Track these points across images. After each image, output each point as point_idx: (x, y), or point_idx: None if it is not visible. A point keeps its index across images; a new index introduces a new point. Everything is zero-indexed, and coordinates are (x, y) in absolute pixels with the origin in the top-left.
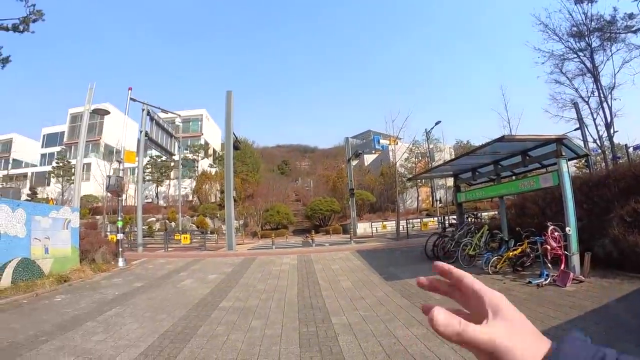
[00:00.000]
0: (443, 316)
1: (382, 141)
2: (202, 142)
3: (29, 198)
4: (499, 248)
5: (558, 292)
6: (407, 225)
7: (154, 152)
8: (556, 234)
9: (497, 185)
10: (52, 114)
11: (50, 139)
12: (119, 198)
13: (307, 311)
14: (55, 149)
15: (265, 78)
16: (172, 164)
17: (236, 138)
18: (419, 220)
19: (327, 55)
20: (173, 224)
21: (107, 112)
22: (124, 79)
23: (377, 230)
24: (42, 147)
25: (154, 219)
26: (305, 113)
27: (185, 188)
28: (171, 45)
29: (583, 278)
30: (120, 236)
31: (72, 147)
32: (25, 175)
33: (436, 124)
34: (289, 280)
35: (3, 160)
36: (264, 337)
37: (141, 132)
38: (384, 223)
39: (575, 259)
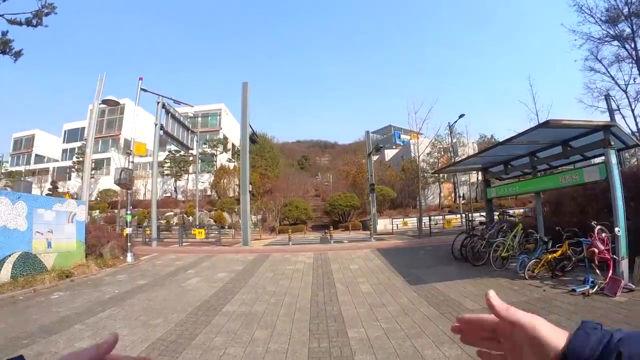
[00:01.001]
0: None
1: (403, 136)
2: (221, 136)
3: (50, 192)
4: (535, 250)
5: (608, 302)
6: (429, 222)
7: (173, 147)
8: (603, 235)
9: (534, 180)
10: (74, 109)
11: (71, 135)
12: (129, 191)
13: (320, 320)
14: (76, 144)
15: (287, 73)
16: (191, 158)
17: (253, 131)
18: (441, 217)
19: (347, 50)
20: (191, 218)
21: (117, 104)
22: (145, 74)
23: (397, 226)
24: (64, 142)
25: (171, 213)
26: (326, 108)
27: (203, 182)
28: (191, 39)
29: (633, 286)
30: (129, 230)
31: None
32: (47, 170)
33: (460, 117)
34: (302, 282)
35: (26, 156)
36: (267, 353)
37: (156, 125)
38: (405, 220)
39: (624, 264)
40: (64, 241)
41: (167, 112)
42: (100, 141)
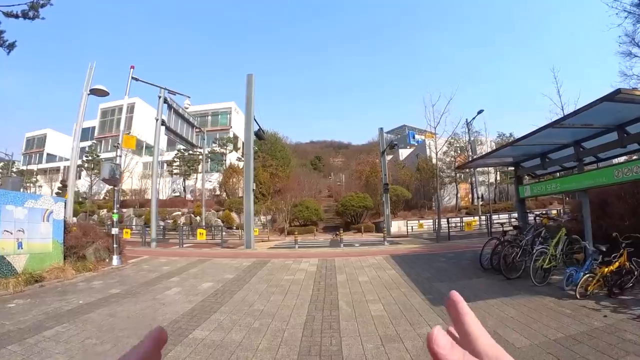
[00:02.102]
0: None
1: (417, 136)
2: (231, 135)
3: (59, 191)
4: (584, 260)
5: None
6: (448, 224)
7: (183, 146)
8: None
9: (580, 175)
10: (87, 109)
11: (83, 134)
12: (115, 188)
13: None
14: (87, 143)
15: (302, 74)
16: (201, 157)
17: (259, 127)
18: (458, 219)
19: (360, 49)
20: (198, 218)
21: (106, 93)
22: (156, 73)
23: (412, 229)
24: (74, 141)
25: (179, 213)
26: (340, 109)
27: (210, 182)
28: (203, 38)
29: None
30: (115, 231)
31: (102, 141)
32: (58, 169)
33: (478, 113)
34: (298, 298)
35: (38, 155)
36: None
37: (157, 120)
38: (421, 222)
39: None
40: (38, 241)
41: (170, 107)
42: (110, 140)
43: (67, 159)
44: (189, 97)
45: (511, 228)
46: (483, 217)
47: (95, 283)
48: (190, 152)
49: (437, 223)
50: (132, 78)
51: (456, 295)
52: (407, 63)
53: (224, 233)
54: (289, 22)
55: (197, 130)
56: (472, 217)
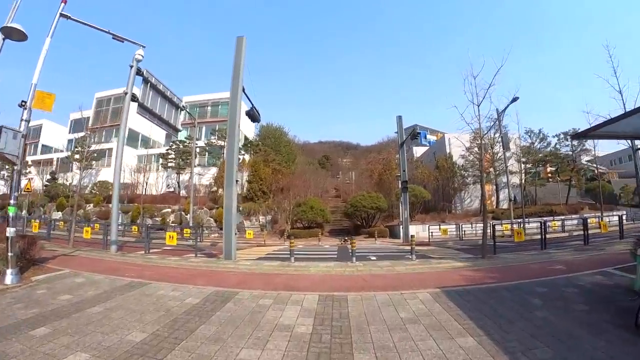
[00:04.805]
0: None
1: (429, 136)
2: None
3: (47, 183)
4: None
5: None
6: (493, 233)
7: (181, 137)
8: None
9: None
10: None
11: (78, 125)
12: (15, 168)
13: None
14: (81, 134)
15: (309, 73)
16: (198, 149)
17: (253, 105)
18: (497, 224)
19: (369, 48)
20: (188, 216)
21: (23, 36)
22: (154, 65)
23: (432, 234)
24: (70, 132)
25: (169, 210)
26: (348, 109)
27: (202, 175)
28: (207, 32)
29: None
30: (10, 232)
31: (97, 132)
32: (51, 161)
33: (512, 100)
34: None
35: (33, 146)
36: None
37: (126, 94)
38: (445, 227)
39: None
40: None
41: (146, 81)
42: (104, 131)
43: (61, 151)
44: (143, 46)
45: None
46: (534, 224)
47: None
48: (186, 143)
49: (482, 231)
50: (61, 15)
51: None
52: (420, 63)
53: (195, 238)
54: (300, 20)
55: (191, 121)
56: (499, 221)
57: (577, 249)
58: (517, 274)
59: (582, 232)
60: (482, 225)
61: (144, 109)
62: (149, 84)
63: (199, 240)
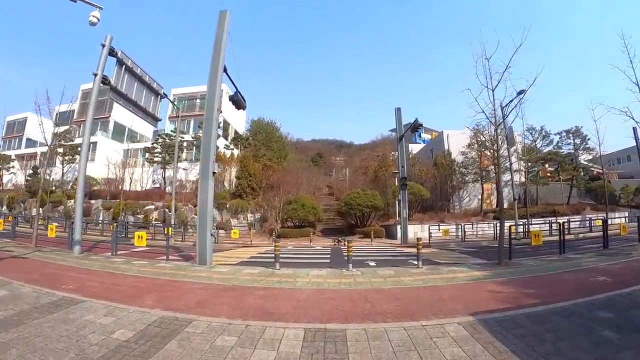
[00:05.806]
0: None
1: (423, 135)
2: (221, 120)
3: (29, 178)
4: None
5: None
6: (510, 235)
7: (167, 130)
8: None
9: None
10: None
11: (62, 117)
12: None
13: None
14: (66, 127)
15: (303, 71)
16: (185, 144)
17: (237, 90)
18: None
19: (363, 46)
20: (172, 213)
21: None
22: (148, 61)
23: (431, 235)
24: (55, 125)
25: (152, 206)
26: (342, 107)
27: (187, 171)
28: (199, 26)
29: None
30: None
31: (81, 125)
32: (34, 155)
33: (519, 94)
34: None
35: (17, 139)
36: None
37: (95, 75)
38: (445, 227)
39: None
40: None
41: (121, 63)
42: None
43: (46, 145)
44: (100, 7)
45: None
46: (554, 225)
47: None
48: (172, 137)
49: (499, 234)
50: None
51: None
52: (420, 62)
53: (167, 239)
54: (299, 22)
55: (177, 114)
56: (496, 221)
57: (599, 253)
58: (556, 289)
59: (589, 234)
60: (483, 225)
61: (117, 94)
62: (124, 66)
63: (180, 240)
